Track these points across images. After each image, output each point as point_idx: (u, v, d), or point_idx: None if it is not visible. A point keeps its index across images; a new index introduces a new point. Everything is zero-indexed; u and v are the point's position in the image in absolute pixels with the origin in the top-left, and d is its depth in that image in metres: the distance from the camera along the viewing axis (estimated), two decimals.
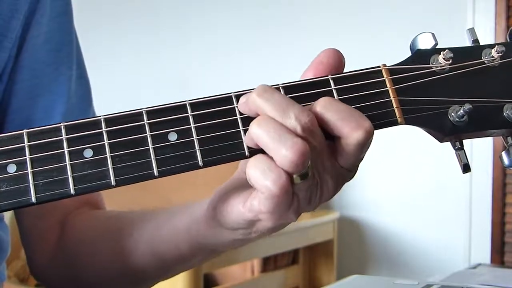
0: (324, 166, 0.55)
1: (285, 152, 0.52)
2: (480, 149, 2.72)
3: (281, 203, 0.54)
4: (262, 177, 0.53)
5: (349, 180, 0.58)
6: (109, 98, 2.23)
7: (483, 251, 2.77)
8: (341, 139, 0.55)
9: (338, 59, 0.59)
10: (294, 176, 0.53)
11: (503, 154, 0.58)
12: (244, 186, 0.58)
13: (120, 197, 0.89)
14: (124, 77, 3.46)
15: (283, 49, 3.05)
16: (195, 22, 3.32)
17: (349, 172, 0.57)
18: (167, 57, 3.38)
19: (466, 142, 0.60)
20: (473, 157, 2.72)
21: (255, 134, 0.54)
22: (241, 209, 0.58)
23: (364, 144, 0.55)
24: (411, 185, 2.90)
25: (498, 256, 2.76)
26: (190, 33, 3.33)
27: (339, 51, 0.59)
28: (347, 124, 0.54)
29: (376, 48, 2.73)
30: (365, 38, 2.87)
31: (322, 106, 0.55)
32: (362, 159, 0.57)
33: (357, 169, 0.58)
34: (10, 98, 0.80)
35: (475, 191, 2.77)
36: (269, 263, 2.72)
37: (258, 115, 0.55)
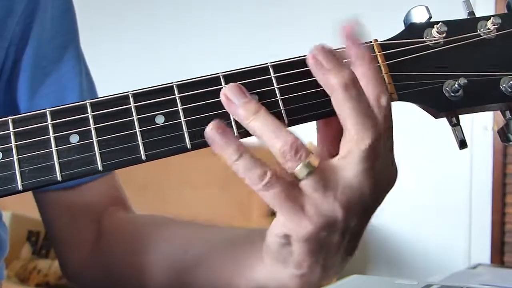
0: None
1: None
2: (480, 149, 2.72)
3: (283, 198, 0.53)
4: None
5: None
6: None
7: (483, 251, 2.77)
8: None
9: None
10: (298, 167, 0.52)
11: (501, 129, 0.56)
12: None
13: None
14: (124, 77, 3.44)
15: (283, 49, 3.03)
16: (195, 22, 3.32)
17: None
18: (167, 57, 3.38)
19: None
20: (473, 157, 2.71)
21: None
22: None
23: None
24: (411, 185, 2.89)
25: (498, 256, 2.76)
26: (190, 33, 3.33)
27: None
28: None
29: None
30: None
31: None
32: None
33: None
34: (19, 97, 0.79)
35: (475, 191, 2.77)
36: None
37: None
